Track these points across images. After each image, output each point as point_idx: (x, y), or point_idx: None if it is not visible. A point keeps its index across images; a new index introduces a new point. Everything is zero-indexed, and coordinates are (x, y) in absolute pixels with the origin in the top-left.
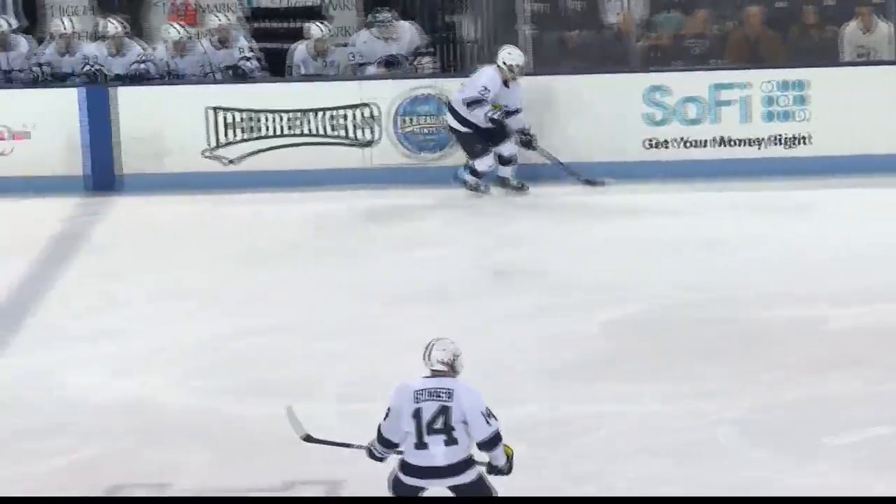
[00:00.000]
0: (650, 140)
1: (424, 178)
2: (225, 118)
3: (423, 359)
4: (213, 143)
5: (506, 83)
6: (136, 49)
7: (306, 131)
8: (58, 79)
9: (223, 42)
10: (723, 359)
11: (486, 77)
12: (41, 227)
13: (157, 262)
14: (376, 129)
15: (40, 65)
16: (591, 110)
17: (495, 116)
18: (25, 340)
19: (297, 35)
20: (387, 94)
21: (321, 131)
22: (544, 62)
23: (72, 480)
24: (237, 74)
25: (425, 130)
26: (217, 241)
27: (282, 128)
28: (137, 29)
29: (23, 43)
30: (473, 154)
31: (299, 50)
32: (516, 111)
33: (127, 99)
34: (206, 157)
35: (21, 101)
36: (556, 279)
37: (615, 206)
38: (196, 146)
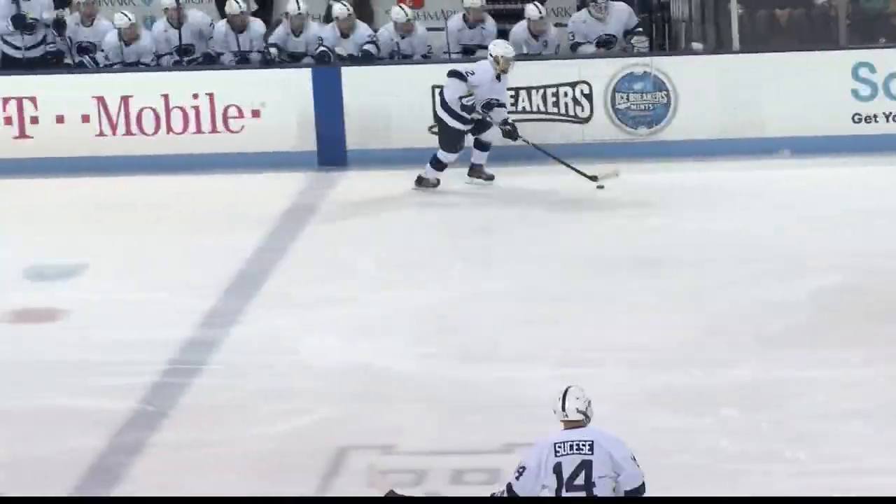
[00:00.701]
0: (857, 115)
1: (638, 153)
2: None
3: (557, 410)
4: None
5: (498, 77)
6: (363, 30)
7: (526, 108)
8: (289, 59)
9: (477, 21)
10: None
11: (477, 65)
12: (275, 201)
13: (383, 234)
14: (593, 105)
15: (273, 45)
16: (800, 86)
17: (468, 103)
18: (261, 307)
19: (516, 16)
20: (602, 72)
21: (540, 108)
22: (754, 40)
23: (298, 443)
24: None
25: (640, 107)
26: (439, 213)
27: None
28: (365, 11)
29: (256, 24)
30: (449, 146)
31: (518, 30)
32: (500, 104)
33: (355, 78)
34: (430, 132)
35: (255, 80)
36: (766, 250)
37: (823, 179)
38: (420, 123)
